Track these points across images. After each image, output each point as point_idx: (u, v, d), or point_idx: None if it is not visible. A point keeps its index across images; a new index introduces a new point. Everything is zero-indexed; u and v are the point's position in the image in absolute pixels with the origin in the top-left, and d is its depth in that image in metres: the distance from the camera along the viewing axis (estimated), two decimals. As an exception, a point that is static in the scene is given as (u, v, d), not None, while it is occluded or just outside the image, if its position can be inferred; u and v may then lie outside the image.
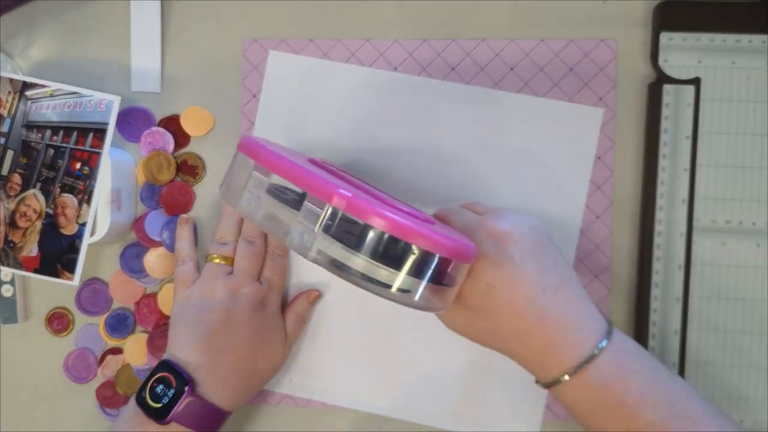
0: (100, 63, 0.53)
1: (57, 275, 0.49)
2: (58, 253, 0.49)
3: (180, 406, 0.43)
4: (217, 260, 0.48)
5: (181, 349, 0.45)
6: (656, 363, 0.39)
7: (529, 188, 0.50)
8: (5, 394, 0.53)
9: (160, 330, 0.52)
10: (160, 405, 0.43)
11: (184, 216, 0.51)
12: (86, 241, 0.49)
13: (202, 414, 0.44)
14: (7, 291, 0.53)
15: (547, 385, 0.39)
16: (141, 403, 0.44)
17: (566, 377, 0.38)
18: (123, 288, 0.53)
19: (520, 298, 0.38)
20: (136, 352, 0.52)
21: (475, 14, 0.51)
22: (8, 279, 0.52)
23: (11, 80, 0.49)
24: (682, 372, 0.48)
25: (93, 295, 0.53)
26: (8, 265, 0.49)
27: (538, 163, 0.50)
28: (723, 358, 0.48)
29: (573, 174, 0.50)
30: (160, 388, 0.43)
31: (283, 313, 0.49)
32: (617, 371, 0.37)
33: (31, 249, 0.49)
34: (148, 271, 0.52)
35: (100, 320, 0.53)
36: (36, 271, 0.49)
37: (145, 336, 0.52)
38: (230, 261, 0.48)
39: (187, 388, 0.43)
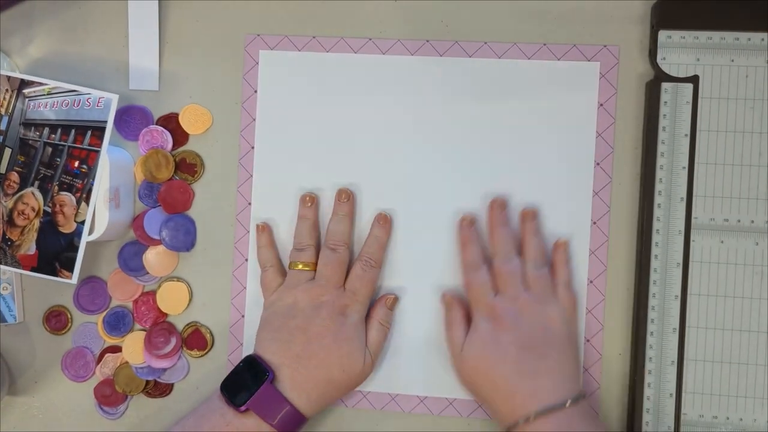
0: (97, 61, 0.53)
1: (55, 274, 0.49)
2: (56, 252, 0.49)
3: (258, 395, 0.45)
4: (299, 266, 0.49)
5: (264, 350, 0.47)
6: None
7: (535, 155, 0.50)
8: (3, 393, 0.53)
9: (157, 327, 0.52)
10: (241, 393, 0.45)
11: (260, 224, 0.51)
12: (84, 239, 0.48)
13: (277, 408, 0.45)
14: (5, 289, 0.53)
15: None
16: (224, 388, 0.46)
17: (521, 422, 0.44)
18: (121, 286, 0.53)
19: (496, 374, 0.45)
20: (134, 350, 0.52)
21: (476, 14, 0.51)
22: (6, 277, 0.52)
23: (9, 78, 0.49)
24: (680, 369, 0.48)
25: (91, 294, 0.53)
26: (6, 264, 0.49)
27: (543, 125, 0.50)
28: (721, 357, 0.48)
29: (577, 133, 0.50)
30: (243, 378, 0.46)
31: (366, 323, 0.49)
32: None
33: (29, 247, 0.49)
34: (147, 269, 0.52)
35: (99, 318, 0.53)
36: (34, 270, 0.49)
37: (144, 334, 0.52)
38: (312, 266, 0.49)
39: (266, 379, 0.45)
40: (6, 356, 0.53)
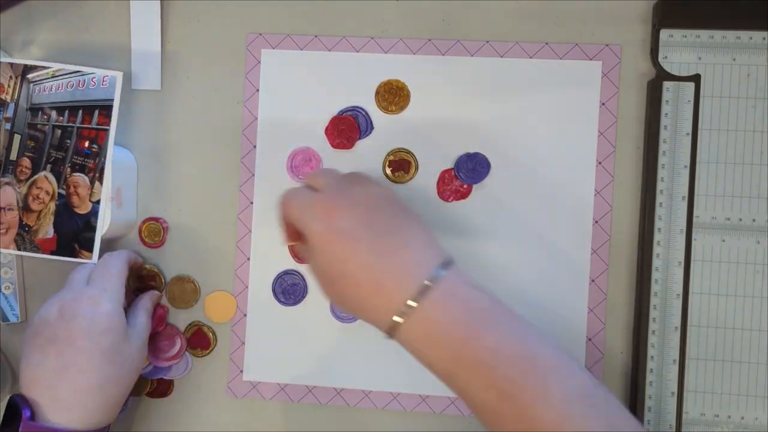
0: (99, 61, 0.53)
1: (75, 255, 0.49)
2: (74, 233, 0.49)
3: None
4: None
5: (21, 384, 0.43)
6: (498, 301, 0.38)
7: (538, 150, 0.50)
8: (5, 392, 0.53)
9: (160, 331, 0.52)
10: None
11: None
12: (102, 217, 0.48)
13: None
14: (7, 288, 0.53)
15: (391, 334, 0.38)
16: None
17: (398, 319, 0.37)
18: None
19: (354, 267, 0.38)
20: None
21: (478, 14, 0.51)
22: (8, 276, 0.52)
23: (11, 65, 0.49)
24: (682, 368, 0.48)
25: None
26: (25, 250, 0.49)
27: (544, 124, 0.50)
28: (723, 355, 0.48)
29: (579, 132, 0.50)
30: (5, 425, 0.41)
31: (130, 310, 0.48)
32: (456, 303, 0.37)
33: (47, 231, 0.49)
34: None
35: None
36: (53, 253, 0.49)
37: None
38: None
39: (21, 418, 0.40)
40: (8, 355, 0.53)
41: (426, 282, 0.37)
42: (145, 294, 0.50)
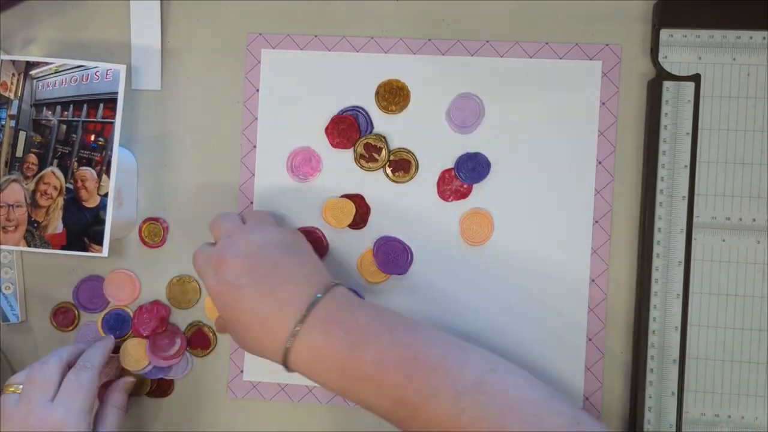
0: (99, 61, 0.53)
1: (85, 249, 0.49)
2: (83, 227, 0.49)
3: None
4: (11, 389, 0.46)
5: None
6: (386, 311, 0.42)
7: (538, 150, 0.50)
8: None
9: (162, 331, 0.52)
10: None
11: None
12: (110, 210, 0.48)
13: None
14: (7, 289, 0.53)
15: (285, 362, 0.41)
16: None
17: (288, 344, 0.40)
18: (118, 288, 0.53)
19: (240, 313, 0.42)
20: (132, 355, 0.52)
21: (478, 13, 0.51)
22: (8, 276, 0.52)
23: (14, 62, 0.49)
24: (682, 368, 0.48)
25: (91, 292, 0.53)
26: (35, 246, 0.49)
27: (544, 124, 0.50)
28: (723, 355, 0.48)
29: (579, 132, 0.50)
30: None
31: (99, 409, 0.48)
32: (336, 319, 0.40)
33: (56, 226, 0.49)
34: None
35: (99, 317, 0.53)
36: (63, 248, 0.49)
37: (138, 341, 0.52)
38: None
39: None
40: (9, 355, 0.53)
41: (303, 311, 0.40)
42: (115, 385, 0.50)
